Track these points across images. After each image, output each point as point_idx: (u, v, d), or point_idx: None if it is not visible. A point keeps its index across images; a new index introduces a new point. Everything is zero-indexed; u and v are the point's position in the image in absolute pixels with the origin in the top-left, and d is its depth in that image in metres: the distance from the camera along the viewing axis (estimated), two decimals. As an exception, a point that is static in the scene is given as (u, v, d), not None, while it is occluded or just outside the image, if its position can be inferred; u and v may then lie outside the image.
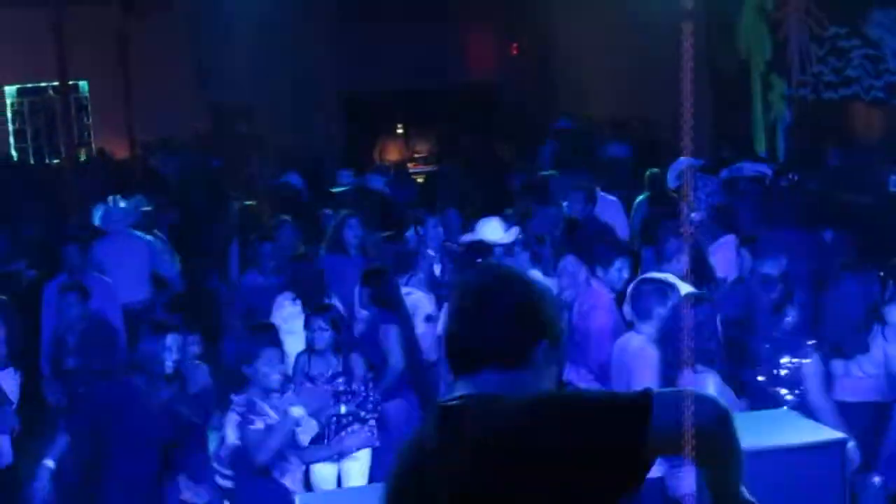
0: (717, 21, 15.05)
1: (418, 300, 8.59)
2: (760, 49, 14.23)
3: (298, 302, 8.38)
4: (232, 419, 6.45)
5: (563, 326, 2.54)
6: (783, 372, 6.71)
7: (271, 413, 6.38)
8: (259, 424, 6.30)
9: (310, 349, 7.27)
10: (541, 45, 21.64)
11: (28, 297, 9.66)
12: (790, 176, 12.62)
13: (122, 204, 10.97)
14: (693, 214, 10.86)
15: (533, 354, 2.50)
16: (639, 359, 6.40)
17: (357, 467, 7.18)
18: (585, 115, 18.37)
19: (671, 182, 12.09)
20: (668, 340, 6.12)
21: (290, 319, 8.24)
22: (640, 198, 12.19)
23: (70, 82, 17.43)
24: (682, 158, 12.45)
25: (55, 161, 20.91)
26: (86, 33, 18.77)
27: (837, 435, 5.24)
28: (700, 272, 7.76)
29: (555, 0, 19.58)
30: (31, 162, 22.08)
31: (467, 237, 9.25)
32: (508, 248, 8.98)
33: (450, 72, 22.03)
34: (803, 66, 13.09)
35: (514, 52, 22.98)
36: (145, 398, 6.26)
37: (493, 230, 9.12)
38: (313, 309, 7.51)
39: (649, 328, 6.49)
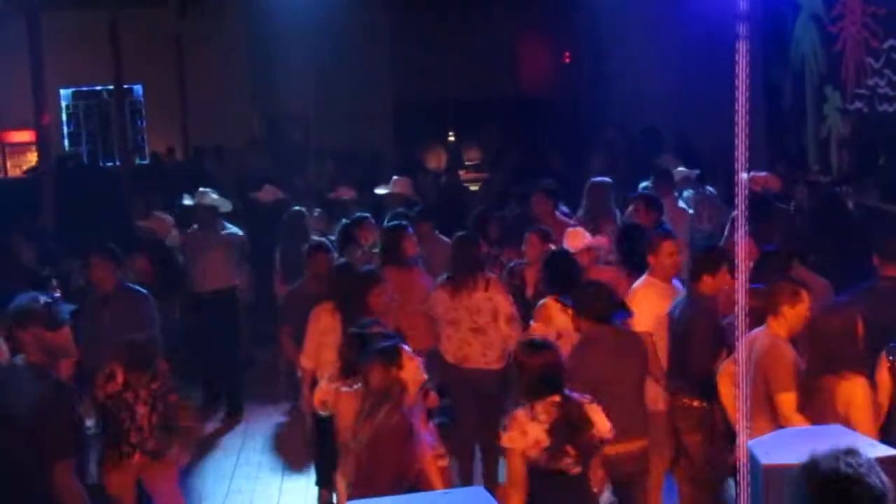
0: (771, 33, 14.93)
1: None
2: (815, 61, 14.11)
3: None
4: None
5: None
6: None
7: None
8: None
9: None
10: (593, 56, 21.58)
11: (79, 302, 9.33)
12: (844, 189, 12.49)
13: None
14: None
15: None
16: (771, 356, 6.43)
17: None
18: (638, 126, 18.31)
19: None
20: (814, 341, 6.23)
21: (327, 332, 7.80)
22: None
23: (125, 86, 17.58)
24: (679, 168, 12.38)
25: (109, 164, 21.09)
26: (141, 38, 18.96)
27: (891, 451, 5.18)
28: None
29: (607, 11, 19.50)
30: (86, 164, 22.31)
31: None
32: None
33: (502, 81, 22.02)
34: (858, 78, 12.95)
35: (567, 62, 22.93)
36: None
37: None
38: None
39: (780, 325, 6.53)
